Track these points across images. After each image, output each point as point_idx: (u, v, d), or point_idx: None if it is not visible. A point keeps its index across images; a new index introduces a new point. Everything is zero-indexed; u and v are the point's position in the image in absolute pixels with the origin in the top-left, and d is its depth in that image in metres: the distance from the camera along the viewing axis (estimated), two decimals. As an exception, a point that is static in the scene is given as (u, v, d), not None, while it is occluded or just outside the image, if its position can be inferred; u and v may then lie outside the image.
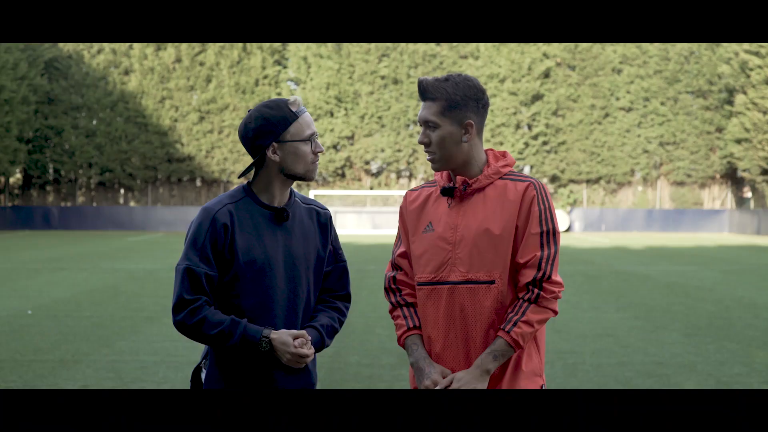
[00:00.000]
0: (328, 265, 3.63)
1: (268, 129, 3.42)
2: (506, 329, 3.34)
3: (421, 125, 3.47)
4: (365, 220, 50.23)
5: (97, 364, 9.24)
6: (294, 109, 3.45)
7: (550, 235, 3.39)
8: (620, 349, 10.38)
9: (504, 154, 3.52)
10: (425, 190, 3.58)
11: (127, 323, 12.19)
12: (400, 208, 3.63)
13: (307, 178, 3.49)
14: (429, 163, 3.42)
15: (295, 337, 3.37)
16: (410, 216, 3.57)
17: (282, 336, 3.34)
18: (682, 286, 17.71)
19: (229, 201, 3.45)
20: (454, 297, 3.41)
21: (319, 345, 3.49)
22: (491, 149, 3.54)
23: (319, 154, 3.49)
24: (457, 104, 3.40)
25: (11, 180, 53.04)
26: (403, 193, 48.95)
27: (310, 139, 3.46)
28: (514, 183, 3.42)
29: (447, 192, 3.46)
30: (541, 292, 3.36)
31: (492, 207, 3.41)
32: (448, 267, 3.42)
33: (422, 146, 3.58)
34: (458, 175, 3.47)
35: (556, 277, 3.40)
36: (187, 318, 3.33)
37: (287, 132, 3.43)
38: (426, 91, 3.42)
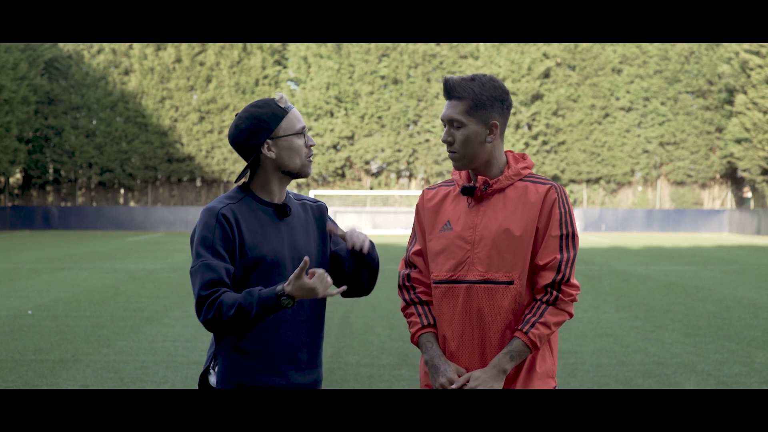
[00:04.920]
0: (335, 245, 3.63)
1: (261, 127, 3.42)
2: (524, 330, 3.35)
3: (444, 124, 3.46)
4: (365, 220, 50.23)
5: (97, 364, 9.24)
6: (282, 105, 3.45)
7: (569, 238, 3.40)
8: (620, 349, 10.38)
9: (524, 156, 3.53)
10: (442, 188, 3.58)
11: (127, 323, 12.19)
12: (417, 206, 3.62)
13: (302, 174, 3.49)
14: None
15: (311, 274, 3.28)
16: (427, 214, 3.56)
17: (294, 283, 3.20)
18: (682, 286, 17.71)
19: (230, 201, 3.44)
20: (472, 296, 3.41)
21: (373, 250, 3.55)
22: (511, 150, 3.55)
23: (312, 147, 3.50)
24: (483, 104, 3.40)
25: (11, 180, 53.04)
26: (402, 193, 48.97)
27: (302, 132, 3.46)
28: (534, 185, 3.43)
29: (467, 191, 3.46)
30: (560, 295, 3.37)
31: (512, 208, 3.41)
32: (466, 266, 3.42)
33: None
34: (479, 175, 3.47)
35: (574, 281, 3.42)
36: (207, 313, 3.27)
37: (279, 127, 3.43)
38: (452, 90, 3.42)
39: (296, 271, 3.22)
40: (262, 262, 3.40)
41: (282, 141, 3.43)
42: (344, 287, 3.38)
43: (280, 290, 3.23)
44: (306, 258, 3.20)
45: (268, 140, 3.43)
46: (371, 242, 3.56)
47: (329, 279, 3.26)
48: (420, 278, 3.58)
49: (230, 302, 3.25)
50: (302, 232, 3.53)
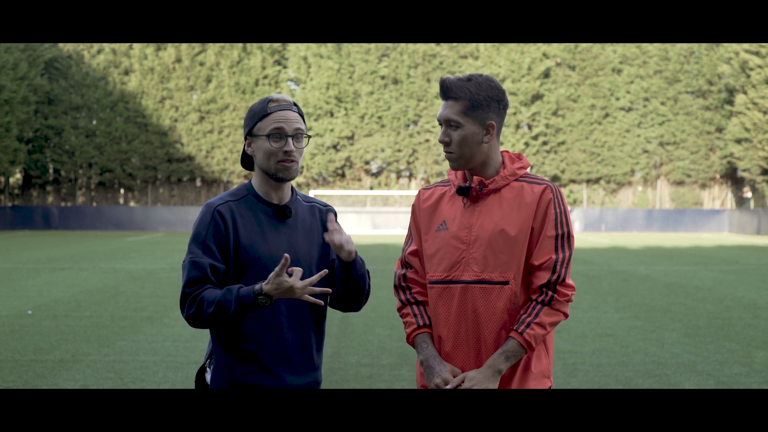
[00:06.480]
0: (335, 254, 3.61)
1: (246, 122, 3.49)
2: (519, 330, 3.34)
3: (441, 124, 3.45)
4: (365, 220, 50.23)
5: (97, 364, 9.24)
6: (271, 105, 3.44)
7: (564, 238, 3.40)
8: (620, 349, 10.38)
9: (519, 156, 3.53)
10: (438, 189, 3.58)
11: (127, 323, 12.19)
12: (413, 206, 3.62)
13: (278, 177, 3.44)
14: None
15: (289, 272, 3.26)
16: (423, 214, 3.55)
17: (273, 281, 3.22)
18: (682, 286, 17.71)
19: (231, 198, 3.46)
20: (467, 297, 3.40)
21: (360, 263, 3.45)
22: (507, 151, 3.54)
23: (290, 153, 3.41)
24: (479, 105, 3.40)
25: (11, 180, 53.04)
26: (402, 193, 48.96)
27: (271, 135, 3.41)
28: (530, 185, 3.43)
29: (463, 191, 3.46)
30: (555, 295, 3.37)
31: (508, 208, 3.41)
32: (462, 266, 3.41)
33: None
34: (475, 175, 3.47)
35: (569, 281, 3.41)
36: (189, 308, 3.32)
37: (256, 126, 3.45)
38: (449, 90, 3.41)
39: (276, 268, 3.23)
40: (257, 262, 3.39)
41: (256, 140, 3.46)
42: (326, 290, 3.31)
43: (258, 289, 3.24)
44: (286, 255, 3.20)
45: (249, 137, 3.48)
46: (359, 259, 3.45)
47: (314, 281, 3.26)
48: (416, 278, 3.57)
49: (211, 299, 3.28)
50: (304, 235, 3.51)
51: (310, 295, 3.30)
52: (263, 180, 3.48)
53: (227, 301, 3.26)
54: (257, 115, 3.44)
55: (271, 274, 3.23)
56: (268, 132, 3.42)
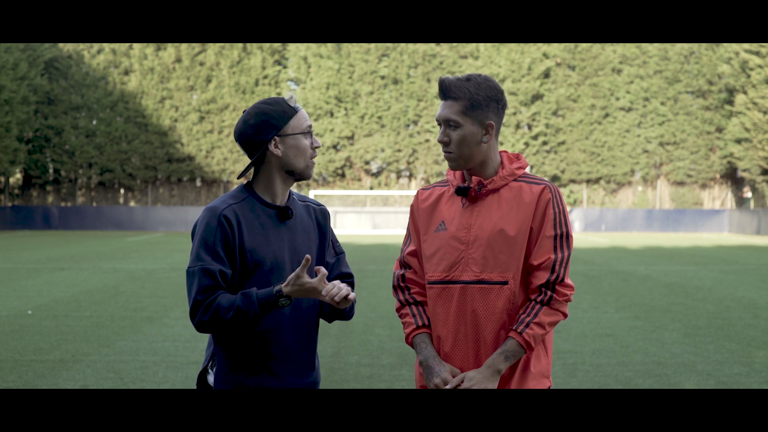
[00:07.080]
0: (331, 258, 3.62)
1: (270, 123, 3.42)
2: (518, 330, 3.34)
3: (440, 124, 3.45)
4: (365, 220, 50.22)
5: (97, 364, 9.24)
6: (292, 104, 3.47)
7: (563, 238, 3.40)
8: (620, 349, 10.38)
9: (518, 156, 3.53)
10: (437, 189, 3.58)
11: (127, 323, 12.19)
12: (411, 206, 3.62)
13: (305, 175, 3.49)
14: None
15: (317, 272, 3.29)
16: (422, 215, 3.56)
17: (294, 283, 3.26)
18: (682, 286, 17.71)
19: (233, 201, 3.44)
20: (466, 297, 3.40)
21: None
22: (505, 151, 3.54)
23: (316, 149, 3.50)
24: (479, 104, 3.40)
25: (11, 180, 53.03)
26: (402, 193, 48.96)
27: (309, 132, 3.48)
28: (529, 185, 3.43)
29: (462, 192, 3.46)
30: (554, 295, 3.37)
31: (507, 208, 3.41)
32: (461, 266, 3.41)
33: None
34: (473, 175, 3.47)
35: (568, 281, 3.41)
36: (203, 316, 3.31)
37: (288, 125, 3.43)
38: (448, 90, 3.42)
39: (297, 270, 3.25)
40: (262, 266, 3.40)
41: (289, 139, 3.44)
42: (351, 295, 3.32)
43: (278, 291, 3.27)
44: (307, 256, 3.23)
45: (276, 137, 3.43)
46: (354, 297, 3.38)
47: (342, 287, 3.28)
48: (414, 279, 3.57)
49: (227, 305, 3.29)
50: (303, 235, 3.52)
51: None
52: (279, 181, 3.47)
53: (246, 306, 3.28)
54: (286, 113, 3.44)
55: (292, 276, 3.25)
56: (305, 129, 3.47)
